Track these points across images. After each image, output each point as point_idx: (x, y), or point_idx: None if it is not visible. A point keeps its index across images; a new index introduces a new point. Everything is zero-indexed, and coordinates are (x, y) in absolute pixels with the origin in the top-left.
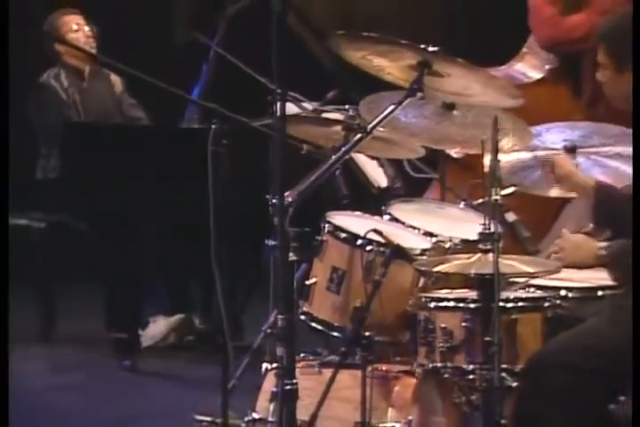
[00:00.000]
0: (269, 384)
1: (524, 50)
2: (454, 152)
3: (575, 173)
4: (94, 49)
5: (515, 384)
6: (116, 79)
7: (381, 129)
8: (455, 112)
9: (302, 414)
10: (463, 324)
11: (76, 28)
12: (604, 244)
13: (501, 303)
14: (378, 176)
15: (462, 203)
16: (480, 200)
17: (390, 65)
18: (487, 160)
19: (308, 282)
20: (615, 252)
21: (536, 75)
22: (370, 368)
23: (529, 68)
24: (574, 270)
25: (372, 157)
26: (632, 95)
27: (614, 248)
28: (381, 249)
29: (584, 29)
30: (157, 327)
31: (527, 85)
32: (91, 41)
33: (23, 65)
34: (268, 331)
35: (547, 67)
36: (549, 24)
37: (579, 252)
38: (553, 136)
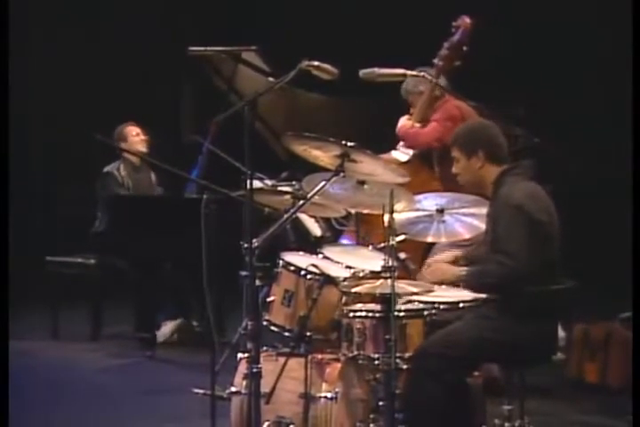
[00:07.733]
0: (243, 367)
1: (400, 144)
2: (365, 212)
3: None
4: (145, 149)
5: (405, 366)
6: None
7: (317, 197)
8: (365, 186)
9: (265, 387)
10: (371, 327)
11: (135, 135)
12: (463, 268)
13: (396, 313)
14: (315, 229)
15: (370, 246)
16: (382, 244)
17: (323, 155)
18: (386, 218)
19: (268, 299)
20: (469, 274)
21: (404, 158)
22: (310, 357)
23: (400, 154)
24: (445, 290)
25: (311, 216)
26: (632, 95)
27: (469, 272)
28: (317, 277)
29: (432, 137)
30: (166, 328)
31: (400, 164)
32: (143, 144)
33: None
34: (242, 332)
35: (411, 153)
36: (411, 135)
37: (446, 274)
38: (428, 202)
